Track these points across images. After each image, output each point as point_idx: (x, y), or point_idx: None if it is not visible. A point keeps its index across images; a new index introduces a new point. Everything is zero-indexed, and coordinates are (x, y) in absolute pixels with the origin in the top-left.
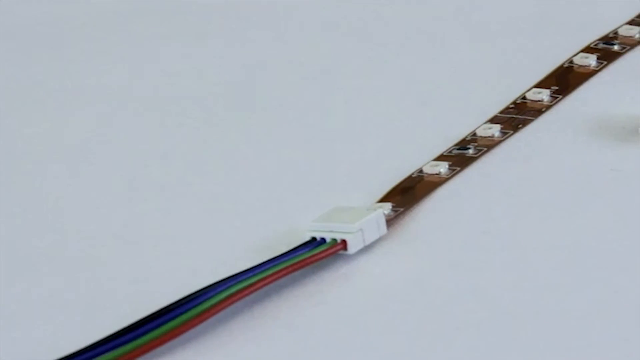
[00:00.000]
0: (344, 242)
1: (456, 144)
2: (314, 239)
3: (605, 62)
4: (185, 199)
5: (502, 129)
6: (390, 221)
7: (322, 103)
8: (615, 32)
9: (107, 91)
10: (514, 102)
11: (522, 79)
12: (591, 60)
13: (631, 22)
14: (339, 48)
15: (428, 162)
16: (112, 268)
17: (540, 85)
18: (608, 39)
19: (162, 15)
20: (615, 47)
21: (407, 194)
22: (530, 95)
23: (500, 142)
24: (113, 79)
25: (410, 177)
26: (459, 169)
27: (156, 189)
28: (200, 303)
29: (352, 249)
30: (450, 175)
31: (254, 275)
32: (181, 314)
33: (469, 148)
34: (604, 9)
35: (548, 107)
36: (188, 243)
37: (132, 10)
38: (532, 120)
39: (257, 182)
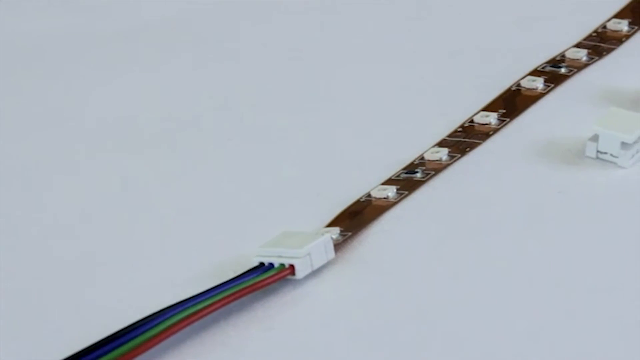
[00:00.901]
0: (291, 267)
1: (404, 168)
2: (262, 264)
3: (552, 85)
4: (134, 225)
5: (450, 152)
6: (338, 245)
7: (270, 129)
8: (563, 55)
9: (58, 116)
10: (462, 126)
11: (470, 102)
12: (538, 83)
13: (578, 45)
14: (284, 74)
15: (376, 186)
16: (58, 296)
17: (488, 108)
18: (555, 62)
19: (116, 41)
20: (563, 70)
21: (355, 218)
22: (478, 119)
23: (448, 165)
24: (64, 104)
25: (358, 202)
26: (407, 192)
27: (107, 216)
28: (147, 330)
29: (300, 273)
30: (398, 199)
31: (202, 301)
32: (128, 341)
33: (417, 172)
34: (552, 32)
35: (495, 131)
36: (136, 270)
37: (86, 34)
38: (479, 144)
39: (205, 207)
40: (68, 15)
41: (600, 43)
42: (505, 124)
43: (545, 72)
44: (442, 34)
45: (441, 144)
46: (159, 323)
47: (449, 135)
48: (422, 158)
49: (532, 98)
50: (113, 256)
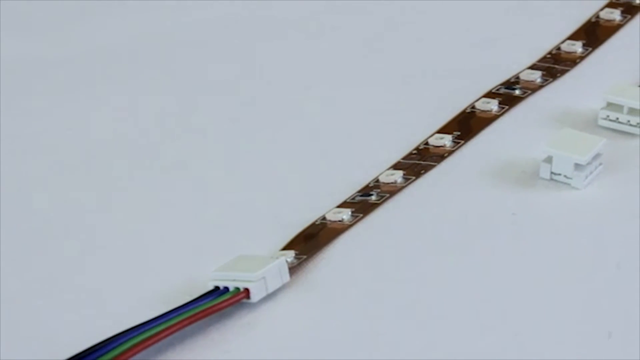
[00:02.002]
0: (246, 290)
1: (359, 191)
2: (217, 288)
3: (506, 107)
4: (88, 251)
5: (404, 175)
6: (293, 269)
7: (226, 153)
8: (517, 77)
9: (15, 140)
10: (417, 148)
11: (425, 124)
12: (493, 105)
13: (533, 67)
14: (240, 98)
15: (331, 209)
16: (12, 321)
17: (442, 130)
18: (510, 84)
19: (61, 67)
20: (517, 92)
21: (311, 241)
22: (433, 141)
23: (402, 188)
24: (23, 128)
25: (313, 224)
26: (361, 215)
27: (60, 239)
28: (102, 355)
29: (255, 297)
30: (353, 222)
31: (157, 325)
32: None
33: (372, 194)
34: (506, 54)
35: (450, 153)
36: (91, 293)
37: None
38: (434, 166)
39: (160, 231)
40: (19, 41)
41: (554, 65)
42: (460, 146)
43: (500, 94)
44: (397, 58)
45: (396, 166)
46: (114, 348)
47: (404, 158)
48: (377, 181)
49: (487, 120)
50: (67, 282)
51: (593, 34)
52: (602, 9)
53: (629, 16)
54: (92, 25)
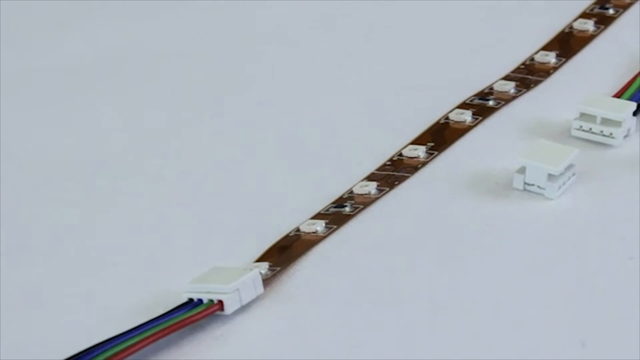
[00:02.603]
0: (220, 302)
1: (333, 202)
2: (191, 300)
3: (480, 118)
4: (64, 261)
5: (378, 186)
6: (267, 280)
7: (200, 164)
8: (491, 88)
9: None
10: (391, 159)
11: (398, 135)
12: (466, 116)
13: (506, 78)
14: (215, 108)
15: (305, 221)
16: None
17: (416, 141)
18: (483, 95)
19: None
20: (491, 103)
21: (284, 253)
22: (407, 152)
23: (376, 199)
24: None
25: (287, 236)
26: (335, 227)
27: (36, 251)
28: None
29: (228, 309)
30: (327, 234)
31: (131, 337)
32: None
33: (346, 206)
34: (480, 65)
35: (424, 164)
36: (64, 307)
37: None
38: (408, 177)
39: (134, 243)
40: None
41: (528, 75)
42: (434, 157)
43: (474, 104)
44: (370, 69)
45: (370, 177)
46: None
47: (378, 169)
48: (351, 192)
49: (460, 131)
50: (40, 294)
51: (567, 44)
52: (575, 20)
53: (603, 27)
54: (72, 38)
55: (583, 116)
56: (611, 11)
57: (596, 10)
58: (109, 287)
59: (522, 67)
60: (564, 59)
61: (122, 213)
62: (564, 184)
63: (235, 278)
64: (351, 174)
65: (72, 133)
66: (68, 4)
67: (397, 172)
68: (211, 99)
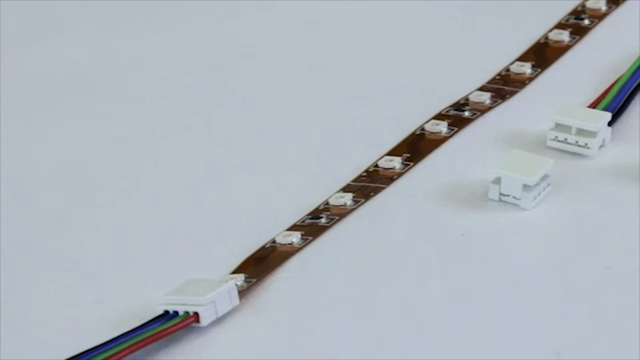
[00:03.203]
0: (196, 314)
1: (309, 214)
2: (166, 312)
3: (456, 129)
4: (37, 275)
5: (354, 197)
6: (243, 292)
7: (174, 175)
8: (467, 99)
9: None
10: (367, 171)
11: (374, 146)
12: (442, 127)
13: (482, 88)
14: (190, 118)
15: (281, 232)
16: None
17: (392, 153)
18: (459, 105)
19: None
20: (466, 114)
21: (260, 264)
22: (383, 163)
23: (352, 210)
24: None
25: (263, 248)
26: (311, 238)
27: (3, 267)
28: None
29: (204, 321)
30: (302, 245)
31: (106, 350)
32: None
33: (322, 217)
34: (456, 76)
35: (400, 175)
36: (40, 320)
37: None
38: (384, 188)
39: (110, 255)
40: None
41: (503, 86)
42: (410, 168)
43: (449, 115)
44: (346, 79)
45: (346, 189)
46: None
47: (354, 180)
48: (327, 203)
49: (436, 142)
50: (12, 307)
51: (542, 55)
52: (551, 30)
53: (578, 37)
54: (36, 52)
55: (558, 127)
56: (586, 22)
57: (571, 20)
58: (84, 299)
59: (498, 77)
60: (539, 70)
61: (95, 226)
62: (539, 194)
63: (210, 290)
64: (327, 185)
65: (42, 146)
66: (39, 17)
67: (373, 183)
68: (184, 110)
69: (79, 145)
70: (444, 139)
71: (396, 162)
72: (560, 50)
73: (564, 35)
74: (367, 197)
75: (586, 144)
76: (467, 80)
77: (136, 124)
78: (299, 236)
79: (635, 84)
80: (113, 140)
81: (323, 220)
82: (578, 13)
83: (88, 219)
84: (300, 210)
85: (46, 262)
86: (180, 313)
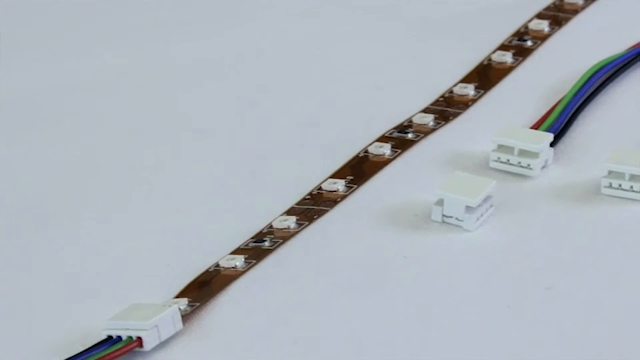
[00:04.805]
0: (139, 339)
1: (253, 237)
2: (110, 337)
3: (399, 151)
4: None
5: (297, 220)
6: (186, 316)
7: (118, 198)
8: (410, 121)
9: None
10: (310, 193)
11: (318, 169)
12: (386, 149)
13: (425, 110)
14: (132, 144)
15: (225, 256)
16: None
17: (336, 175)
18: (403, 128)
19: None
20: (410, 136)
21: (204, 288)
22: (326, 186)
23: (296, 233)
24: None
25: (207, 272)
26: (255, 261)
27: None
28: None
29: (147, 345)
30: (246, 268)
31: None
32: None
33: (265, 240)
34: (399, 98)
35: (343, 197)
36: None
37: None
38: (327, 211)
39: (53, 280)
40: None
41: (447, 108)
42: (353, 191)
43: (393, 137)
44: (290, 102)
45: (289, 212)
46: None
47: (298, 203)
48: (271, 226)
49: (380, 164)
50: None
51: (485, 76)
52: (494, 52)
53: (521, 58)
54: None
55: (501, 148)
56: (529, 43)
57: (515, 42)
58: (26, 324)
59: (441, 99)
60: (482, 91)
61: (40, 249)
62: (482, 215)
63: (154, 314)
64: (270, 208)
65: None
66: None
67: (317, 206)
68: (127, 134)
69: (23, 169)
70: (388, 161)
71: (340, 185)
72: (503, 71)
73: (507, 57)
74: (311, 219)
75: (529, 165)
76: (410, 102)
77: (78, 149)
78: (243, 260)
79: (577, 105)
80: (55, 164)
81: (267, 244)
82: (521, 34)
83: (32, 242)
84: (244, 234)
85: None
86: (124, 338)
